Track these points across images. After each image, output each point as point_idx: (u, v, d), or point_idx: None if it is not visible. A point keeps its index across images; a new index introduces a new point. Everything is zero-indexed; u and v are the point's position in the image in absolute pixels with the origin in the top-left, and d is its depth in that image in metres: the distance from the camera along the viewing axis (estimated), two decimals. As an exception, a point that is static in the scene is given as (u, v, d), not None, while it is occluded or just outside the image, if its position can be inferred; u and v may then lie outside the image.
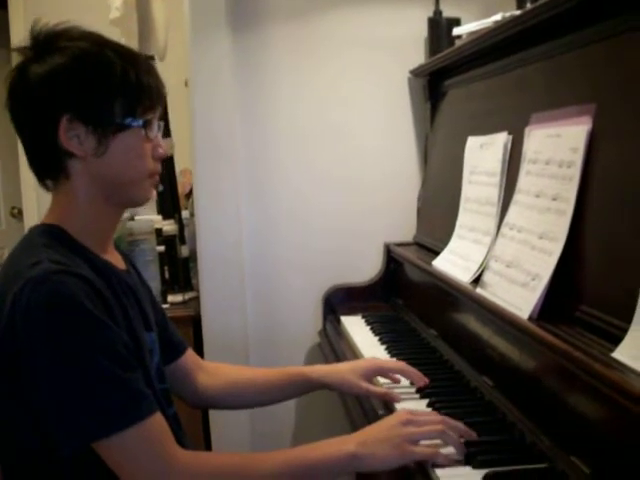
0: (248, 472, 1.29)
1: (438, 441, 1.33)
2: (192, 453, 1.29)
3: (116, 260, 1.46)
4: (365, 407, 1.73)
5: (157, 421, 1.25)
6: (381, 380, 1.73)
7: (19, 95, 1.34)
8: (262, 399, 1.78)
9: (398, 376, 1.71)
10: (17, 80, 1.33)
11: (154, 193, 1.46)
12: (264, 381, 1.74)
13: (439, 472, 1.26)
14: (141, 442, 1.21)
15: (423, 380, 1.68)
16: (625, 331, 1.16)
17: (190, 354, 1.73)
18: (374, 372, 1.71)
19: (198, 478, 1.25)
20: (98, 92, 1.32)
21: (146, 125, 1.37)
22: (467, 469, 1.27)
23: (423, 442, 1.33)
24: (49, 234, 1.33)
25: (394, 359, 1.77)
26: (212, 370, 1.76)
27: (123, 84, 1.33)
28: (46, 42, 1.33)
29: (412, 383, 1.70)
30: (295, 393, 1.78)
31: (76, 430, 1.19)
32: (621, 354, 1.15)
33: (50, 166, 1.36)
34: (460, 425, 1.37)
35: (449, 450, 1.32)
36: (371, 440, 1.32)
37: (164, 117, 2.88)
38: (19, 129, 1.36)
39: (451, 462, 1.30)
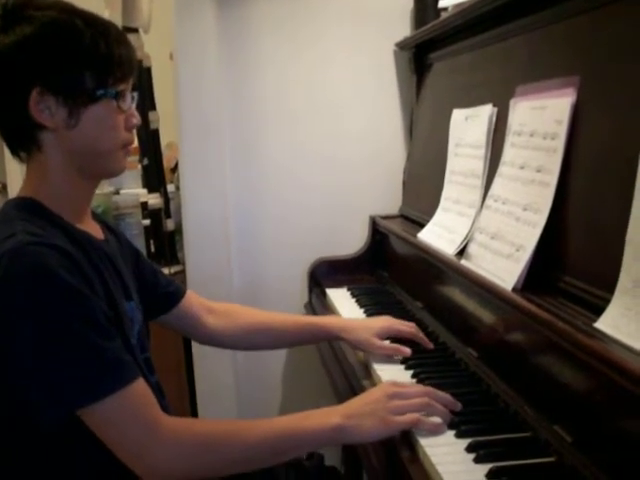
0: (233, 439, 1.30)
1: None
2: (176, 419, 1.30)
3: (94, 230, 1.45)
4: (350, 378, 1.76)
5: (140, 388, 1.25)
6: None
7: None
8: (276, 343, 1.89)
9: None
10: None
11: (127, 164, 1.45)
12: (280, 327, 1.81)
13: (423, 442, 1.28)
14: (124, 409, 1.22)
15: (430, 345, 1.76)
16: (608, 301, 1.17)
17: (193, 297, 1.77)
18: (387, 332, 1.75)
19: (182, 444, 1.26)
20: (67, 62, 1.30)
21: (118, 96, 1.35)
22: (451, 438, 1.29)
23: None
24: (24, 207, 1.33)
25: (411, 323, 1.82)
26: (226, 312, 1.82)
27: (93, 54, 1.31)
28: (14, 11, 1.30)
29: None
30: (308, 341, 1.90)
31: (58, 399, 1.20)
32: (603, 324, 1.16)
33: (22, 138, 1.35)
34: (446, 396, 1.39)
35: (434, 418, 1.34)
36: (357, 412, 1.33)
37: (149, 90, 2.88)
38: None
39: (436, 428, 1.32)
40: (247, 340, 1.82)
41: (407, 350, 1.68)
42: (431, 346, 1.75)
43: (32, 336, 1.18)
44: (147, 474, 1.25)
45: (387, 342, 1.73)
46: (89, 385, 1.20)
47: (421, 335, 1.77)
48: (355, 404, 1.37)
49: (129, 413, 1.22)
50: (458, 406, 1.38)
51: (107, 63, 1.33)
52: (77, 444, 1.28)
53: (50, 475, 1.30)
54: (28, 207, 1.33)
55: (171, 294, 1.72)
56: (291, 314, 1.90)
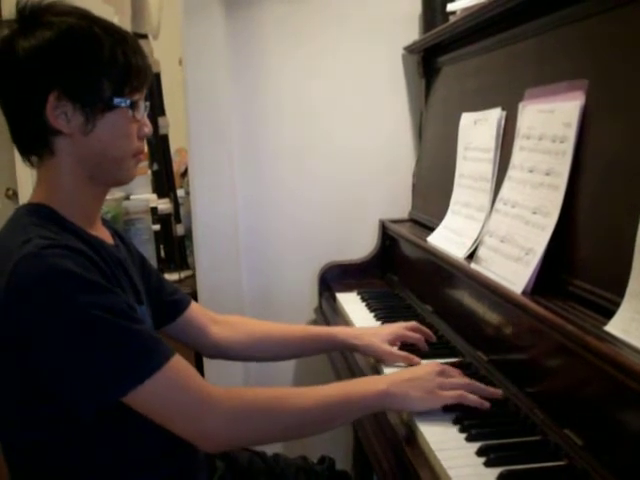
0: (286, 404, 1.33)
1: None
2: (224, 388, 1.32)
3: (104, 235, 1.47)
4: (356, 375, 1.77)
5: (180, 361, 1.28)
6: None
7: (5, 69, 1.33)
8: (283, 353, 1.85)
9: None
10: (3, 54, 1.32)
11: (137, 172, 1.46)
12: (287, 336, 1.81)
13: (434, 445, 1.27)
14: (171, 382, 1.24)
15: (431, 337, 1.82)
16: (618, 305, 1.17)
17: (197, 308, 1.78)
18: (396, 339, 1.77)
19: (234, 410, 1.28)
20: (87, 69, 1.31)
21: (133, 106, 1.37)
22: (461, 442, 1.29)
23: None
24: (37, 213, 1.34)
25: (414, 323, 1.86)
26: (231, 323, 1.81)
27: (111, 63, 1.32)
28: (32, 16, 1.32)
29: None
30: (317, 351, 1.87)
31: (103, 390, 1.21)
32: (613, 327, 1.16)
33: (35, 142, 1.36)
34: (485, 387, 1.45)
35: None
36: (404, 382, 1.39)
37: (159, 96, 2.89)
38: (4, 104, 1.36)
39: (481, 403, 1.38)
40: (255, 349, 1.80)
41: (417, 360, 1.69)
42: (433, 338, 1.82)
43: (63, 334, 1.19)
44: (203, 440, 1.28)
45: (395, 349, 1.74)
46: (132, 368, 1.21)
47: (425, 329, 1.82)
48: (403, 374, 1.44)
49: (177, 386, 1.25)
50: (498, 392, 1.44)
51: (125, 72, 1.34)
52: (110, 432, 1.30)
53: (67, 468, 1.32)
54: (41, 213, 1.34)
55: (176, 302, 1.72)
56: (298, 324, 1.89)
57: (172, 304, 1.70)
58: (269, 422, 1.32)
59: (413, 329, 1.80)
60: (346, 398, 1.37)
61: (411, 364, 1.67)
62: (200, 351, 1.81)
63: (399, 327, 1.80)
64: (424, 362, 1.65)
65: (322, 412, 1.35)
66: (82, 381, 1.21)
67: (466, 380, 1.44)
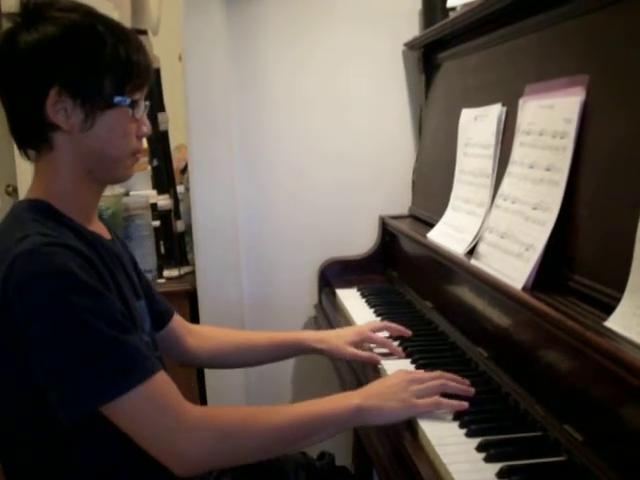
0: (256, 425, 1.31)
1: None
2: (201, 408, 1.32)
3: (102, 230, 1.47)
4: (358, 374, 1.78)
5: (162, 378, 1.26)
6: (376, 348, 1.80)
7: (7, 62, 1.32)
8: (249, 361, 1.88)
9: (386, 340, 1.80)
10: (5, 46, 1.32)
11: (134, 170, 1.46)
12: (252, 345, 1.82)
13: (434, 441, 1.28)
14: (149, 400, 1.23)
15: (406, 332, 1.82)
16: (618, 300, 1.17)
17: (178, 320, 1.78)
18: (360, 340, 1.79)
19: (209, 432, 1.27)
20: (89, 66, 1.31)
21: (133, 105, 1.37)
22: (461, 437, 1.29)
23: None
24: (35, 208, 1.34)
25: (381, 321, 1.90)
26: (202, 334, 1.82)
27: (114, 61, 1.32)
28: (36, 11, 1.31)
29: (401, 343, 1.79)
30: (284, 357, 1.88)
31: (83, 396, 1.20)
32: (614, 323, 1.16)
33: (34, 136, 1.36)
34: (457, 377, 1.45)
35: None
36: (377, 395, 1.38)
37: (159, 92, 2.88)
38: (4, 96, 1.36)
39: (458, 406, 1.37)
40: (221, 359, 1.82)
41: (378, 359, 1.71)
42: (408, 333, 1.82)
43: (51, 335, 1.19)
44: (177, 464, 1.26)
45: (359, 350, 1.77)
46: (113, 380, 1.20)
47: (393, 327, 1.83)
48: (375, 387, 1.42)
49: (155, 405, 1.23)
50: (470, 390, 1.43)
51: (126, 71, 1.34)
52: (92, 440, 1.29)
53: (66, 467, 1.31)
54: (39, 209, 1.33)
55: (163, 314, 1.72)
56: (270, 332, 1.89)
57: (159, 315, 1.70)
58: (243, 442, 1.30)
59: (377, 329, 1.82)
60: (320, 415, 1.35)
61: (375, 364, 1.70)
62: (170, 358, 1.79)
63: (363, 328, 1.83)
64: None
65: (296, 431, 1.33)
66: (62, 384, 1.20)
67: (439, 380, 1.42)
